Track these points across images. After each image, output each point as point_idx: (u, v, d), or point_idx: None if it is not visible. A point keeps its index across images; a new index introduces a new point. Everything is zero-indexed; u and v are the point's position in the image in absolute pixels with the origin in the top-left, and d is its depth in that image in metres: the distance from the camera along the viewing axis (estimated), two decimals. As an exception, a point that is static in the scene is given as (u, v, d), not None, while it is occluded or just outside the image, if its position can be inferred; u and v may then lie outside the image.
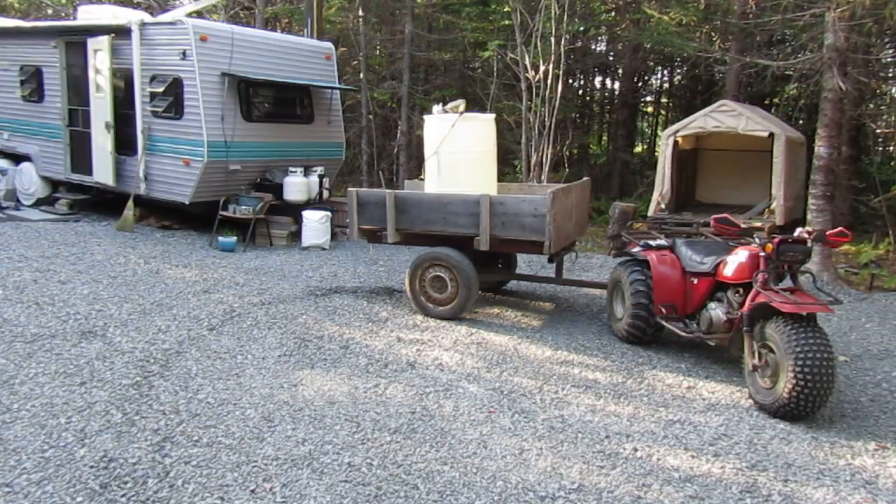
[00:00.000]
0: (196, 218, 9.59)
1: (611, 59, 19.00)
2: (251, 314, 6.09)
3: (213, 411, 4.22)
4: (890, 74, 13.39)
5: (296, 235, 9.43)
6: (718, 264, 5.20)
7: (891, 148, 16.12)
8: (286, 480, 3.51)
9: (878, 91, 14.24)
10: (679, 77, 20.37)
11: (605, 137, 20.82)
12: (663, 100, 21.98)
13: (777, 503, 3.53)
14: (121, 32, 9.12)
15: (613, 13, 17.51)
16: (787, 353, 4.30)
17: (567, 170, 13.30)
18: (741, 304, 4.90)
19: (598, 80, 21.21)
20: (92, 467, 3.52)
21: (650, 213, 10.78)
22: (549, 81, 11.28)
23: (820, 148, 8.74)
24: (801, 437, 4.24)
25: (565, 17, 11.22)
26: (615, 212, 9.54)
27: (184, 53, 8.62)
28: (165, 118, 8.94)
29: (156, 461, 3.61)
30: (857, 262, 9.57)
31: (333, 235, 9.59)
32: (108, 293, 6.37)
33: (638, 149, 21.54)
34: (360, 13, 16.04)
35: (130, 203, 9.23)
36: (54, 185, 10.57)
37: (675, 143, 10.85)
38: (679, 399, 4.78)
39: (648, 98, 21.73)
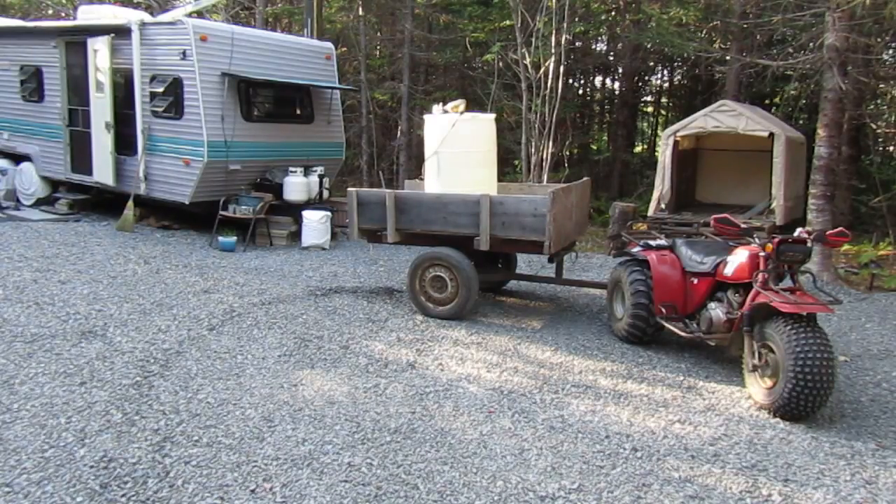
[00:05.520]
0: (196, 218, 9.59)
1: (611, 59, 19.00)
2: (251, 314, 6.09)
3: (213, 411, 4.22)
4: (888, 74, 13.37)
5: (296, 235, 9.43)
6: (718, 264, 5.20)
7: (891, 148, 16.12)
8: (286, 480, 3.51)
9: (878, 91, 14.24)
10: (679, 77, 20.38)
11: (605, 137, 20.83)
12: (663, 100, 21.98)
13: (777, 503, 3.53)
14: (121, 32, 9.12)
15: (613, 13, 17.51)
16: (787, 353, 4.30)
17: (567, 170, 13.30)
18: (741, 304, 4.90)
19: (598, 80, 21.21)
20: (92, 467, 3.52)
21: (650, 213, 10.78)
22: (549, 81, 11.28)
23: (820, 148, 8.74)
24: (801, 437, 4.24)
25: (565, 15, 11.22)
26: (615, 212, 9.54)
27: (184, 53, 8.62)
28: (165, 118, 8.94)
29: (156, 461, 3.61)
30: (857, 262, 9.57)
31: (333, 235, 9.58)
32: (108, 293, 6.37)
33: (638, 149, 21.54)
34: (360, 13, 16.04)
35: (130, 203, 9.23)
36: (54, 185, 10.57)
37: (676, 142, 10.85)
38: (679, 399, 4.78)
39: (648, 98, 21.72)
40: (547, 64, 11.38)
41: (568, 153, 15.17)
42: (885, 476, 3.83)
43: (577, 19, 13.95)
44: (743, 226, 5.00)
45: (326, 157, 10.43)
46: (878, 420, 4.59)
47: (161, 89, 8.87)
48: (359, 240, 6.89)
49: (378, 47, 18.52)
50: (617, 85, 19.85)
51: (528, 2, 11.78)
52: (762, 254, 4.70)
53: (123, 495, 3.31)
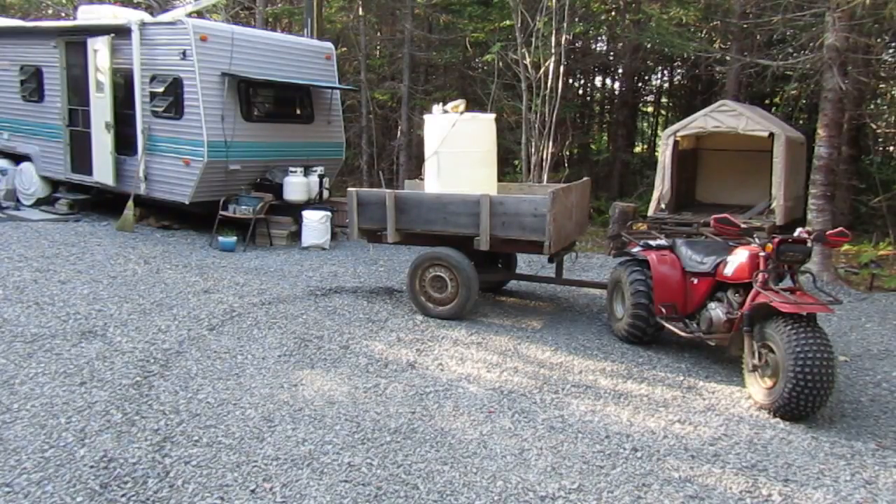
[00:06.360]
0: (196, 218, 9.59)
1: (611, 59, 19.00)
2: (251, 314, 6.09)
3: (213, 411, 4.22)
4: (888, 74, 13.37)
5: (296, 235, 9.43)
6: (718, 264, 5.20)
7: (891, 148, 16.12)
8: (286, 480, 3.51)
9: (878, 91, 14.24)
10: (679, 77, 20.37)
11: (605, 137, 20.83)
12: (663, 100, 21.98)
13: (777, 503, 3.53)
14: (121, 32, 9.12)
15: (613, 13, 17.51)
16: (787, 353, 4.30)
17: (567, 170, 13.30)
18: (741, 304, 4.90)
19: (598, 80, 21.21)
20: (92, 467, 3.52)
21: (650, 213, 10.78)
22: (549, 81, 11.29)
23: (820, 148, 8.74)
24: (801, 437, 4.24)
25: (565, 15, 11.23)
26: (615, 212, 9.55)
27: (184, 53, 8.62)
28: (165, 118, 8.94)
29: (156, 461, 3.61)
30: (857, 262, 9.57)
31: (333, 235, 9.59)
32: (108, 293, 6.38)
33: (638, 149, 21.54)
34: (360, 13, 16.04)
35: (130, 203, 9.23)
36: (54, 185, 10.57)
37: (676, 142, 10.85)
38: (679, 399, 4.78)
39: (648, 98, 21.72)
40: (547, 64, 11.38)
41: (568, 153, 15.17)
42: (885, 476, 3.83)
43: (577, 19, 13.95)
44: (743, 226, 5.00)
45: (326, 157, 10.43)
46: (878, 420, 4.60)
47: (161, 89, 8.87)
48: (359, 240, 6.89)
49: (378, 47, 18.52)
50: (617, 85, 19.85)
51: (528, 2, 11.78)
52: (762, 254, 4.70)
53: (123, 495, 3.31)
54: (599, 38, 18.68)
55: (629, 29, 15.82)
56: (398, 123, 16.01)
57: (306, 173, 9.55)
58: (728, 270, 5.04)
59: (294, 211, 9.38)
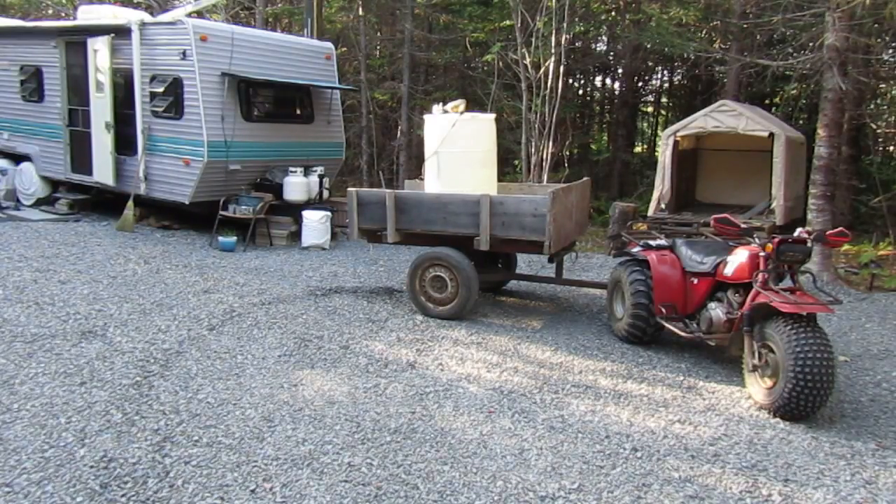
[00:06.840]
0: (196, 218, 9.60)
1: (611, 59, 19.00)
2: (251, 314, 6.09)
3: (213, 411, 4.22)
4: (888, 74, 13.38)
5: (296, 235, 9.43)
6: (718, 264, 5.20)
7: (891, 148, 16.12)
8: (286, 480, 3.51)
9: (878, 91, 14.24)
10: (679, 77, 20.37)
11: (605, 137, 20.83)
12: (663, 100, 21.97)
13: (777, 503, 3.53)
14: (121, 32, 9.12)
15: (613, 13, 17.51)
16: (787, 353, 4.30)
17: (567, 170, 13.30)
18: (741, 304, 4.90)
19: (598, 80, 21.21)
20: (92, 467, 3.52)
21: (650, 213, 10.77)
22: (549, 81, 11.29)
23: (820, 148, 8.74)
24: (801, 437, 4.24)
25: (565, 15, 11.23)
26: (615, 212, 9.53)
27: (184, 53, 8.62)
28: (165, 118, 8.94)
29: (156, 461, 3.61)
30: (857, 262, 9.57)
31: (333, 235, 9.59)
32: (108, 293, 6.37)
33: (638, 149, 21.53)
34: (360, 13, 16.04)
35: (130, 203, 9.23)
36: (54, 185, 10.57)
37: (676, 142, 10.85)
38: (679, 399, 4.78)
39: (648, 98, 21.72)
40: (547, 64, 11.38)
41: (568, 153, 15.18)
42: (885, 476, 3.83)
43: (577, 19, 13.95)
44: (743, 226, 5.00)
45: (326, 157, 10.43)
46: (878, 420, 4.60)
47: (161, 89, 8.87)
48: (359, 240, 6.89)
49: (378, 47, 18.52)
50: (617, 85, 19.84)
51: (528, 2, 11.78)
52: (762, 254, 4.70)
53: (123, 495, 3.31)
54: (599, 38, 18.67)
55: (629, 29, 15.81)
56: (398, 123, 16.01)
57: (306, 173, 9.55)
58: (728, 270, 5.04)
59: (294, 211, 9.38)
